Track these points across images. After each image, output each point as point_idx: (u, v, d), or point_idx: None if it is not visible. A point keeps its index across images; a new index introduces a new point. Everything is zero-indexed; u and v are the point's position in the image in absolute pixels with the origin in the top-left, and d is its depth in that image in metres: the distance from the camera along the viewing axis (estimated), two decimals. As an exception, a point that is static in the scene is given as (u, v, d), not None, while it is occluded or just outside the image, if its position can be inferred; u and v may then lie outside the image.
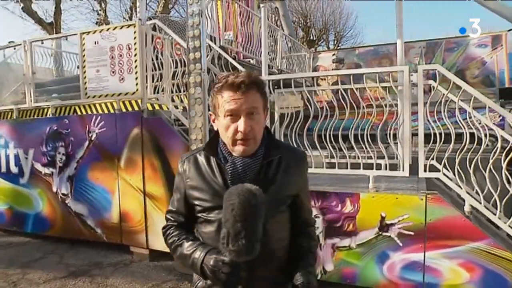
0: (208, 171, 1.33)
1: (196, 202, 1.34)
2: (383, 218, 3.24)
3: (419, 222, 3.12)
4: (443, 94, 3.32)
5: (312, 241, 1.43)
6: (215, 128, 1.37)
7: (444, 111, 3.28)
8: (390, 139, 3.55)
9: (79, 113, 5.22)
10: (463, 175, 3.15)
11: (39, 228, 5.41)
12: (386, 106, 3.52)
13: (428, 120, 3.32)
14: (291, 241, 1.37)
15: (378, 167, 3.56)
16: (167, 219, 1.47)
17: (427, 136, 3.29)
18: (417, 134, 3.31)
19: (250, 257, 1.09)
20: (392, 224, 3.22)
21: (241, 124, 1.23)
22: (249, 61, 7.45)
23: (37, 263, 4.52)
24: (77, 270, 4.24)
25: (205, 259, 1.22)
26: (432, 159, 3.30)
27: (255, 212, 1.08)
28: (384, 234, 3.25)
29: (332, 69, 9.77)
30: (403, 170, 3.39)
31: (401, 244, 3.19)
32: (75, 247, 5.02)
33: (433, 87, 3.42)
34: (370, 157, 3.58)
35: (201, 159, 1.37)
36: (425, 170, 3.26)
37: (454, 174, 3.19)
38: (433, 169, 3.30)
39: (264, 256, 1.17)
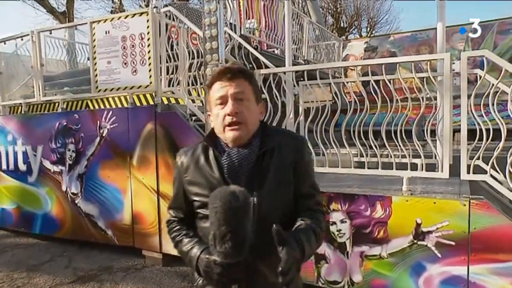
0: (205, 164, 1.43)
1: (195, 198, 1.44)
2: (418, 225, 3.13)
3: (461, 231, 2.99)
4: (492, 85, 3.14)
5: (315, 220, 1.41)
6: (212, 126, 1.47)
7: (493, 103, 3.12)
8: (427, 136, 3.45)
9: (90, 107, 5.35)
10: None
11: (47, 229, 5.56)
12: (423, 99, 3.41)
13: (473, 114, 3.18)
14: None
15: (413, 167, 3.45)
16: (169, 214, 1.59)
17: (471, 133, 3.15)
18: (459, 131, 3.18)
19: (238, 259, 1.17)
20: (429, 232, 3.10)
21: (228, 106, 1.35)
22: (273, 51, 7.40)
23: (44, 266, 4.65)
24: (86, 275, 4.33)
25: (199, 258, 1.33)
26: (478, 158, 3.16)
27: (237, 215, 1.14)
28: (419, 242, 3.14)
29: (361, 58, 9.60)
30: (442, 171, 3.27)
31: (439, 255, 3.07)
32: (85, 249, 5.15)
33: (480, 77, 3.27)
34: (404, 156, 3.48)
35: (198, 152, 1.47)
36: (468, 172, 3.13)
37: (505, 177, 3.03)
38: (478, 170, 3.16)
39: (262, 252, 1.29)
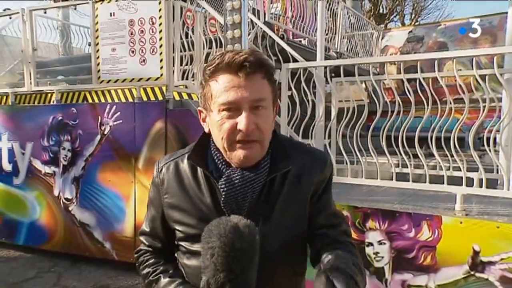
0: (193, 185, 1.28)
1: (177, 227, 1.31)
2: (476, 253, 3.07)
3: (534, 265, 2.92)
4: None
5: (351, 256, 1.22)
6: (206, 130, 1.29)
7: None
8: (488, 145, 3.43)
9: (90, 100, 5.41)
10: None
11: (34, 240, 5.61)
12: (484, 101, 3.38)
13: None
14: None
15: (469, 182, 3.42)
16: (141, 242, 1.45)
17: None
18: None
19: None
20: (490, 263, 3.03)
21: (242, 121, 1.14)
22: (301, 41, 7.46)
23: (28, 284, 4.65)
24: (78, 294, 4.36)
25: None
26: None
27: (242, 258, 1.01)
28: (478, 275, 3.07)
29: (399, 50, 9.52)
30: (508, 189, 3.23)
31: (505, 293, 2.99)
32: (78, 265, 5.19)
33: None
34: (458, 169, 3.48)
35: (184, 167, 1.31)
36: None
37: None
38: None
39: None
